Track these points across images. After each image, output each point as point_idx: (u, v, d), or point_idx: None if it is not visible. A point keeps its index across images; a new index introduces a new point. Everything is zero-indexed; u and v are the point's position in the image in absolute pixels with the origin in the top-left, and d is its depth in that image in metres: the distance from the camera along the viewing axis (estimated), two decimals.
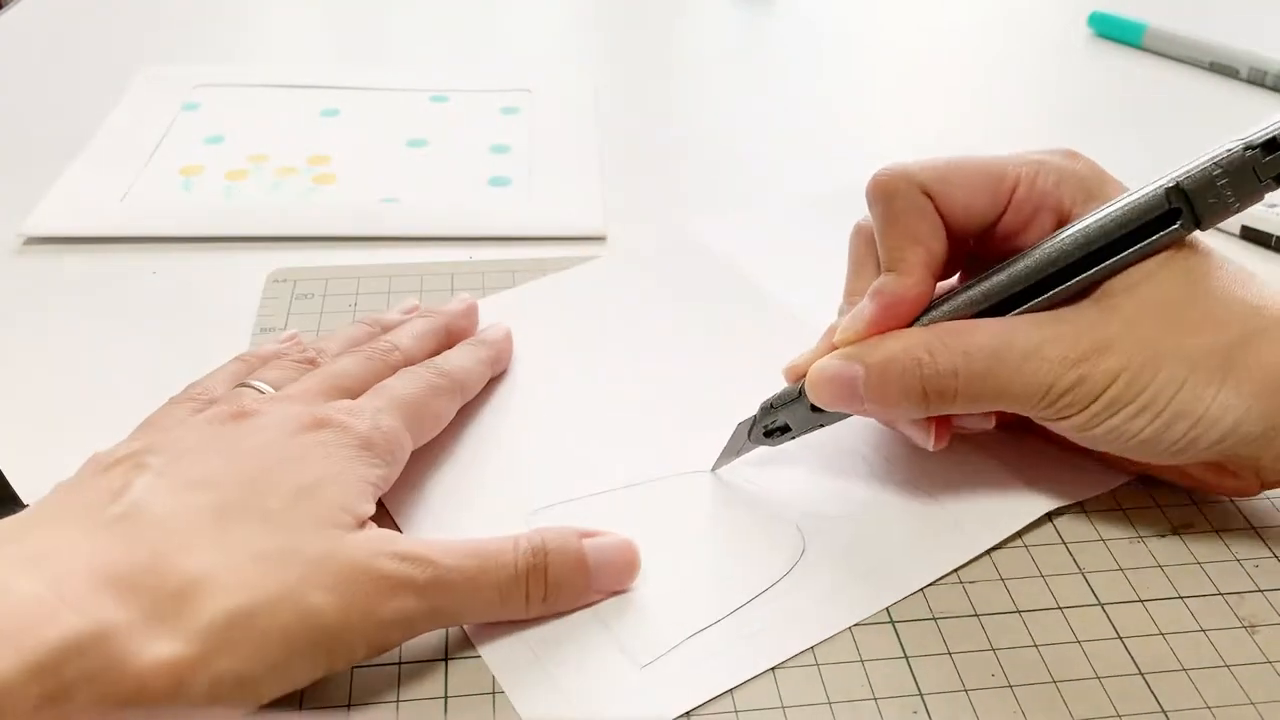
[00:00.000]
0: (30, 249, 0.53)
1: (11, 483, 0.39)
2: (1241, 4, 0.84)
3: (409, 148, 0.62)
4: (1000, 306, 0.37)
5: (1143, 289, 0.35)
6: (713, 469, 0.40)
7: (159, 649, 0.28)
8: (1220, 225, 0.55)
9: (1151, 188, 0.36)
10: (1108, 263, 0.35)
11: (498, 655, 0.34)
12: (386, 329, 0.43)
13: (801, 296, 0.49)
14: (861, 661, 0.34)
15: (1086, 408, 0.35)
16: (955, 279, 0.40)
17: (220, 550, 0.30)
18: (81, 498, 0.32)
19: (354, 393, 0.38)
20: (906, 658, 0.34)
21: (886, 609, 0.36)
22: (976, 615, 0.35)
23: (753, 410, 0.40)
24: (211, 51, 0.75)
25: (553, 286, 0.50)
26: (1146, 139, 0.66)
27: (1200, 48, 0.73)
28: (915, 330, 0.37)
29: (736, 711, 0.32)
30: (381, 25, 0.80)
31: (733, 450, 0.40)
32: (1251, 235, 0.55)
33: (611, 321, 0.48)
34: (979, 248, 0.39)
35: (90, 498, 0.32)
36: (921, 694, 0.33)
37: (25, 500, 0.39)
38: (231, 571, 0.30)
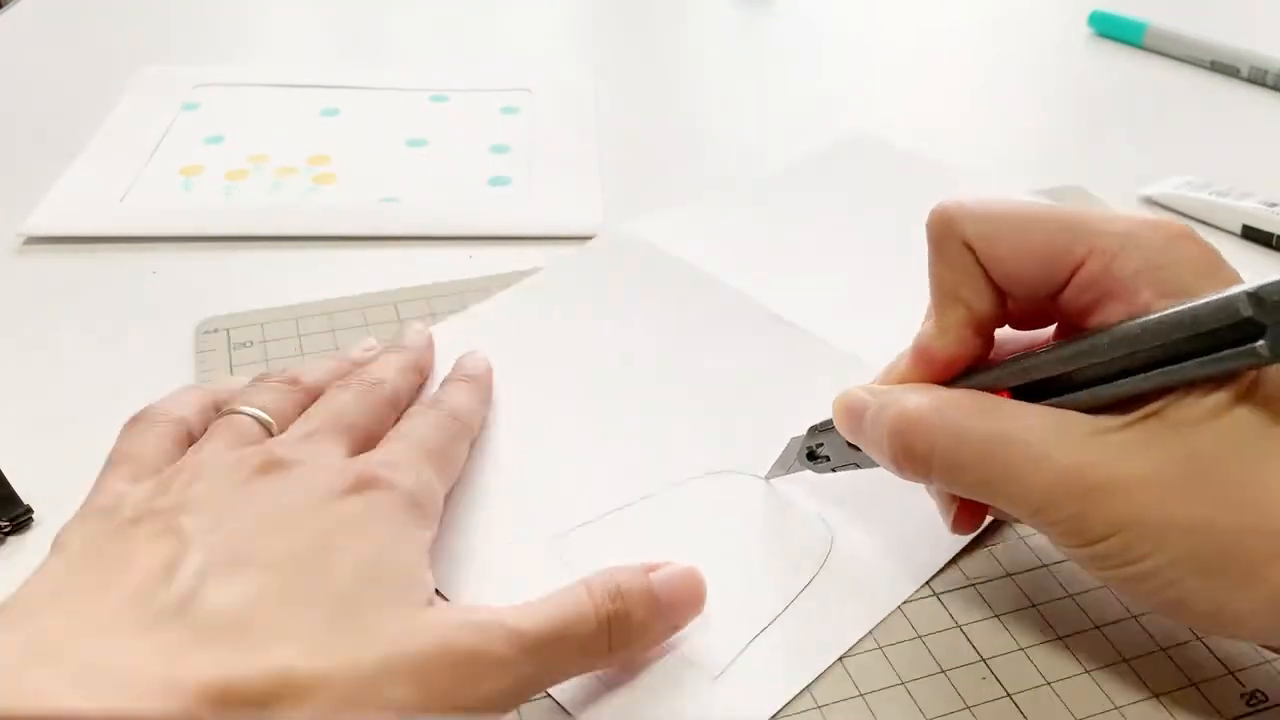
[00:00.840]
0: (30, 249, 0.53)
1: (11, 483, 0.39)
2: (1242, 3, 0.84)
3: (409, 147, 0.62)
4: (1034, 389, 0.32)
5: (1197, 432, 0.28)
6: (765, 477, 0.40)
7: None
8: (1220, 223, 0.56)
9: (1235, 289, 0.28)
10: (1152, 374, 0.29)
11: (569, 695, 0.33)
12: (357, 364, 0.41)
13: (750, 280, 0.49)
14: (920, 637, 0.35)
15: (1080, 548, 0.30)
16: (1051, 332, 0.35)
17: (296, 643, 0.27)
18: (120, 583, 0.28)
19: (364, 431, 0.36)
20: (959, 626, 0.35)
21: (928, 583, 0.36)
22: (1009, 575, 0.37)
23: (754, 409, 0.39)
24: (211, 51, 0.75)
25: (501, 307, 0.49)
26: (1146, 139, 0.66)
27: (1201, 47, 0.73)
28: (935, 390, 0.33)
29: (819, 707, 0.33)
30: (381, 25, 0.80)
31: (784, 464, 0.39)
32: (1252, 234, 0.55)
33: (571, 334, 0.47)
34: (1056, 315, 0.34)
35: (132, 584, 0.28)
36: (984, 659, 0.34)
37: (24, 500, 0.39)
38: (311, 668, 0.27)
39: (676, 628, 0.33)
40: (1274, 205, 0.55)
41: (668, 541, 0.37)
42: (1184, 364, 0.28)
